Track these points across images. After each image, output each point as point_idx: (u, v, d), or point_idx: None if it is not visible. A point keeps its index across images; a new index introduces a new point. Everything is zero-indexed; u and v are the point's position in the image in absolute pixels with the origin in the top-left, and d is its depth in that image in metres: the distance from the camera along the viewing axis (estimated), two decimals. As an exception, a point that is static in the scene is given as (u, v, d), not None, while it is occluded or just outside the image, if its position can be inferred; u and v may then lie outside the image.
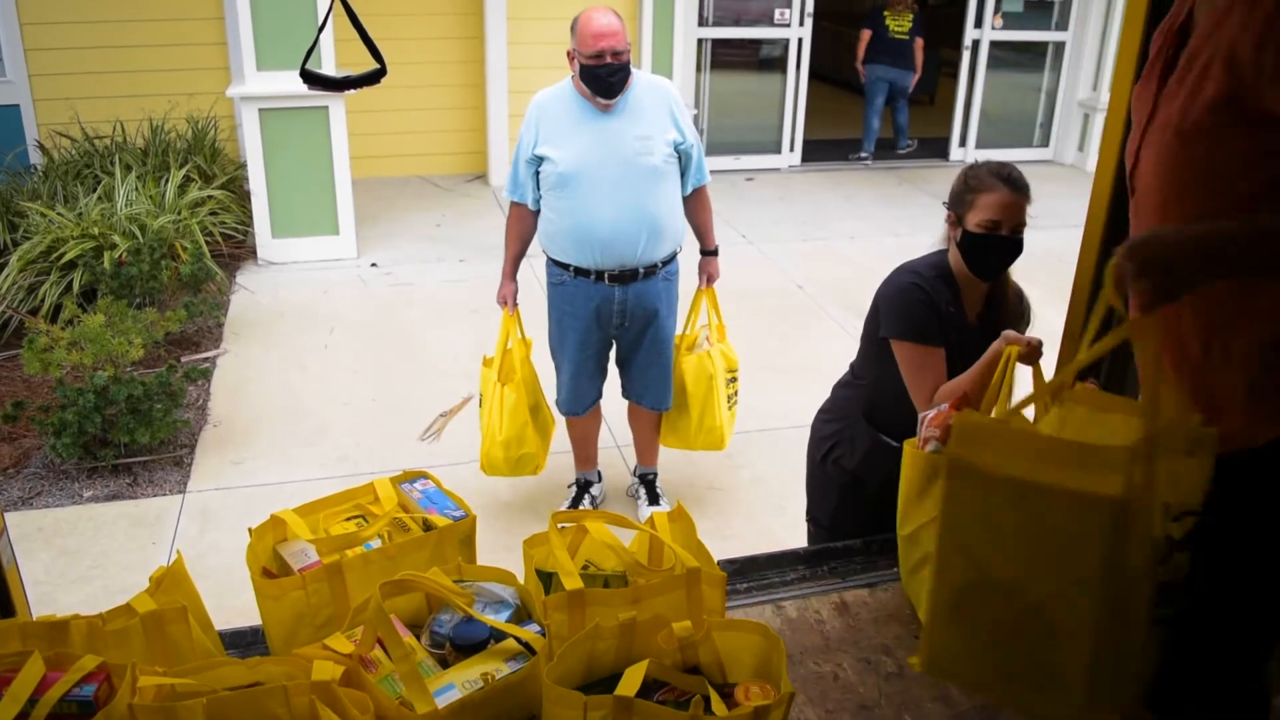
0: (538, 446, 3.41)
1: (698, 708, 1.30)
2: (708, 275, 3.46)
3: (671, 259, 3.25)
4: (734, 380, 3.52)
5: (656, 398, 3.44)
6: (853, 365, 2.46)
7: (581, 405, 3.45)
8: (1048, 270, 4.58)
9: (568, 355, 3.36)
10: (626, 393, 3.50)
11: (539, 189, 3.15)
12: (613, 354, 3.45)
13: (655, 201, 3.08)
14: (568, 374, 3.39)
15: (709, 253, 3.44)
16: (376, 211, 6.99)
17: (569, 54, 2.99)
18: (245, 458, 3.98)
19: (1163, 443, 1.21)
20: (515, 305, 3.35)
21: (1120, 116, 1.78)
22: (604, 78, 2.94)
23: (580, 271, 3.16)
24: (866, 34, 8.45)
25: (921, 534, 1.73)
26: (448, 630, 1.48)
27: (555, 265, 3.23)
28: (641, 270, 3.16)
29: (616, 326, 3.26)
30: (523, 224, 3.27)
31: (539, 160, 3.09)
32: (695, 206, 3.32)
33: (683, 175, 3.21)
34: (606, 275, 3.13)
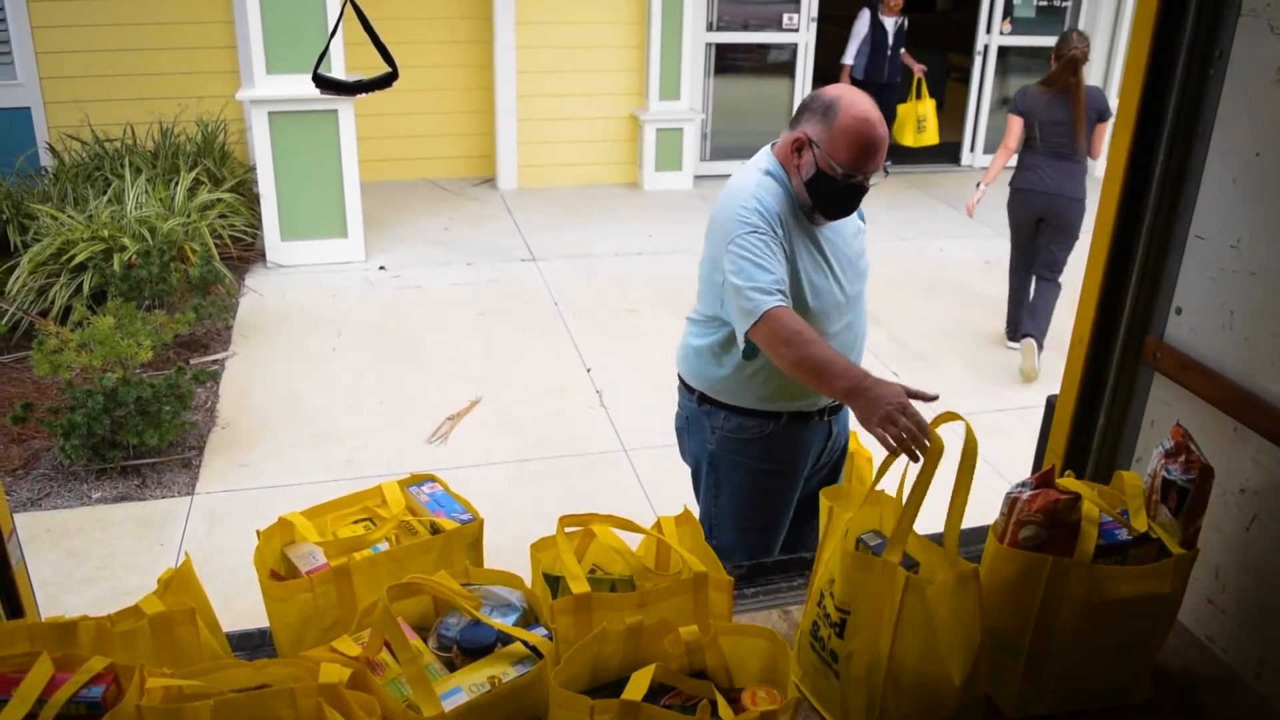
0: None
1: (704, 712, 1.30)
2: None
3: None
4: None
5: None
6: None
7: None
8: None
9: (761, 526, 2.46)
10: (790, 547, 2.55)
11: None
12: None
13: (866, 305, 2.42)
14: (755, 552, 2.41)
15: None
16: (385, 215, 7.01)
17: (799, 141, 2.15)
18: (253, 460, 3.99)
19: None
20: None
21: (1129, 122, 1.78)
22: (849, 201, 2.18)
23: (798, 415, 2.33)
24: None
25: (1010, 627, 1.59)
26: (455, 633, 1.48)
27: (753, 416, 2.31)
28: None
29: (821, 467, 2.49)
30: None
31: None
32: None
33: None
34: (827, 409, 2.37)
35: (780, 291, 2.08)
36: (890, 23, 8.06)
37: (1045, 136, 4.89)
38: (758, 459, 2.35)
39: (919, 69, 8.17)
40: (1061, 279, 5.00)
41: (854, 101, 2.11)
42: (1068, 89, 4.83)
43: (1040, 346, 4.93)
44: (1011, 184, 5.15)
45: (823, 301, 2.22)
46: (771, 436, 2.31)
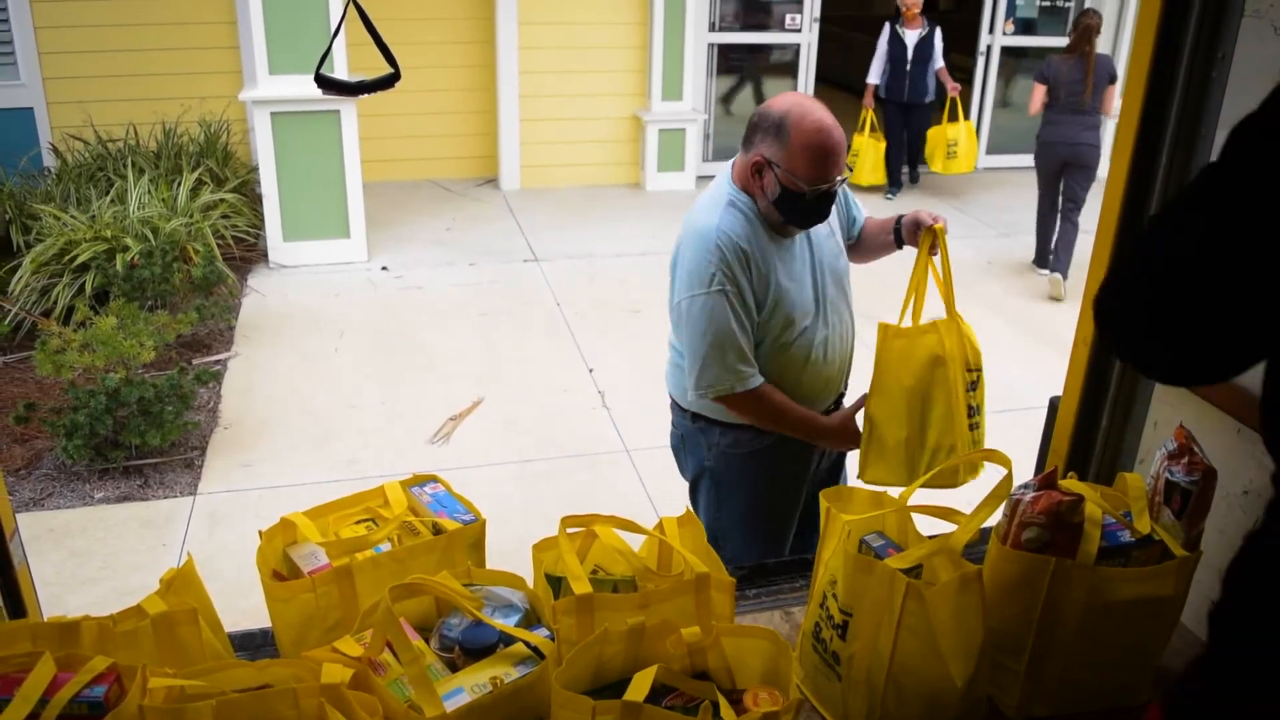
0: None
1: (706, 713, 1.30)
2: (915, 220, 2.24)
3: None
4: (976, 383, 2.25)
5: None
6: None
7: None
8: (1058, 277, 4.55)
9: (768, 534, 2.44)
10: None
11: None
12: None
13: (851, 306, 2.37)
14: (763, 554, 2.38)
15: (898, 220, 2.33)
16: (387, 215, 7.01)
17: (757, 164, 2.09)
18: (255, 460, 3.99)
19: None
20: None
21: (1132, 123, 1.77)
22: (820, 209, 2.12)
23: None
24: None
25: (1013, 629, 1.59)
26: (457, 634, 1.48)
27: (748, 429, 2.28)
28: (846, 388, 2.43)
29: (821, 472, 2.47)
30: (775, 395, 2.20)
31: (758, 310, 2.17)
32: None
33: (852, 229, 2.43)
34: (824, 415, 2.33)
35: (752, 364, 2.14)
36: (911, 36, 7.39)
37: (1066, 95, 5.99)
38: (757, 470, 2.34)
39: (953, 88, 7.44)
40: (1080, 219, 6.02)
41: (804, 113, 2.04)
42: (1084, 55, 5.96)
43: (1065, 276, 5.98)
44: (1039, 137, 6.22)
45: (802, 314, 2.19)
46: (769, 449, 2.29)
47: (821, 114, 2.05)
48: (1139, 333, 0.93)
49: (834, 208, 2.25)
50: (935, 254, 2.14)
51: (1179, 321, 0.89)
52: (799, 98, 2.10)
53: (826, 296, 2.24)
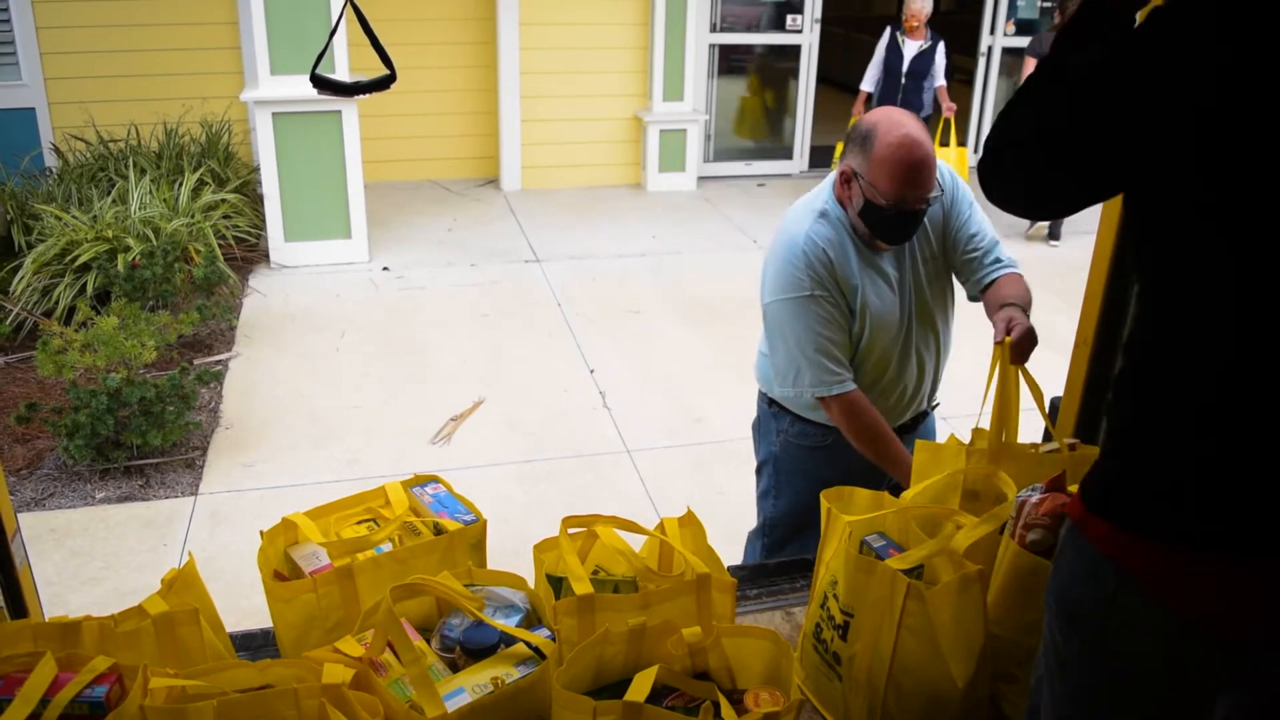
0: None
1: (707, 713, 1.30)
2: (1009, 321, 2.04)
3: None
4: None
5: None
6: None
7: None
8: (1061, 279, 4.58)
9: (816, 531, 2.24)
10: None
11: None
12: None
13: (950, 326, 2.33)
14: (805, 552, 2.33)
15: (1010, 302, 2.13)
16: (388, 215, 7.02)
17: (845, 174, 2.09)
18: (256, 460, 3.99)
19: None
20: None
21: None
22: (905, 226, 2.08)
23: None
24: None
25: (1017, 635, 1.55)
26: (458, 634, 1.48)
27: (815, 424, 2.32)
28: (930, 406, 2.43)
29: (894, 486, 2.31)
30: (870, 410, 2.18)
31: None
32: (1009, 290, 2.18)
33: (976, 265, 2.24)
34: (896, 430, 2.28)
35: (847, 368, 2.13)
36: (911, 47, 6.85)
37: None
38: (819, 466, 2.33)
39: (948, 109, 6.90)
40: None
41: (890, 127, 2.00)
42: None
43: (1059, 237, 6.93)
44: None
45: (882, 331, 2.16)
46: (833, 446, 2.27)
47: (910, 129, 2.00)
48: (1003, 180, 1.23)
49: (946, 231, 2.21)
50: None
51: (1028, 172, 1.21)
52: (893, 111, 2.08)
53: (913, 319, 2.21)
